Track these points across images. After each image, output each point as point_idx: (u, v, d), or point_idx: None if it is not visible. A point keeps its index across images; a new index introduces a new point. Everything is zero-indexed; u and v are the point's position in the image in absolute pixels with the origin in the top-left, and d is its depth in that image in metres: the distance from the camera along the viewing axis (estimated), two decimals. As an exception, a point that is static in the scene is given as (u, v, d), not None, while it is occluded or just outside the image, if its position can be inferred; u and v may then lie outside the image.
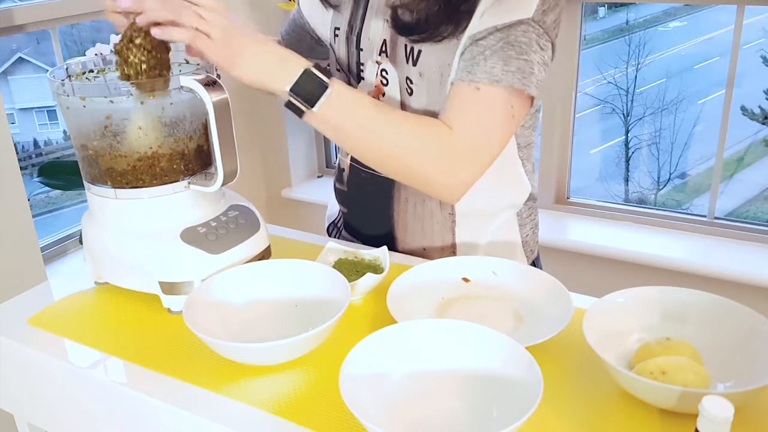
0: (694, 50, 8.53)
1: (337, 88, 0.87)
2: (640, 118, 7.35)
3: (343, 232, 1.20)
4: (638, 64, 7.60)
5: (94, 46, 1.04)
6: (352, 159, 1.10)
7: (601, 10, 8.95)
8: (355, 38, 1.03)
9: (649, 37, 8.27)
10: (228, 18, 0.84)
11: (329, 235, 1.23)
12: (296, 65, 0.86)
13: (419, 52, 0.95)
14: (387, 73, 1.00)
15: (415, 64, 0.96)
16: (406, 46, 0.96)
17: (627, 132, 7.37)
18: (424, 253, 1.09)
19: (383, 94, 1.01)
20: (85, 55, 1.02)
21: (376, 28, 1.00)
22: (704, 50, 8.38)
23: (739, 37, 2.09)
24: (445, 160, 0.90)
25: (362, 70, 1.03)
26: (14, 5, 2.06)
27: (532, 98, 0.94)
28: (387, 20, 0.98)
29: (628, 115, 7.42)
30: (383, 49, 0.99)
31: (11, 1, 2.27)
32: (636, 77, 7.53)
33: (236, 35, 0.85)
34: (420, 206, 1.06)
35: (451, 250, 1.08)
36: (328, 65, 1.09)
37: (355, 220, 1.16)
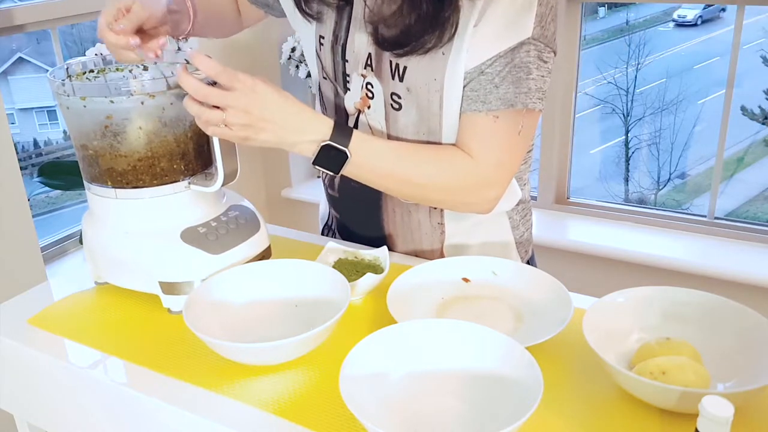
0: (694, 50, 8.54)
1: (357, 149, 0.91)
2: (640, 118, 7.36)
3: (337, 235, 1.20)
4: (638, 64, 7.60)
5: (94, 46, 1.04)
6: None
7: (601, 10, 8.96)
8: (340, 48, 1.01)
9: (649, 37, 8.28)
10: (249, 106, 0.85)
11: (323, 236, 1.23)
12: (312, 141, 0.90)
13: (404, 68, 0.95)
14: (372, 87, 0.99)
15: (401, 79, 0.96)
16: (391, 62, 0.96)
17: (627, 132, 7.38)
18: (415, 252, 1.09)
19: (369, 107, 1.01)
20: (85, 55, 1.02)
21: (361, 42, 0.98)
22: (704, 50, 8.39)
23: (739, 37, 2.09)
24: (474, 187, 0.96)
25: (348, 81, 1.02)
26: (14, 5, 2.06)
27: (539, 112, 0.96)
28: (371, 34, 0.97)
29: (628, 115, 7.42)
30: (368, 62, 0.98)
31: (11, 1, 2.27)
32: (636, 77, 7.53)
33: (255, 131, 0.87)
34: (407, 216, 1.07)
35: (440, 253, 1.08)
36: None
37: (348, 225, 1.16)
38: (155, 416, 0.80)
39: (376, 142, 0.94)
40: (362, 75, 1.00)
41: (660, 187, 6.92)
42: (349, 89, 1.02)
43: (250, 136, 0.87)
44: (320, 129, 0.90)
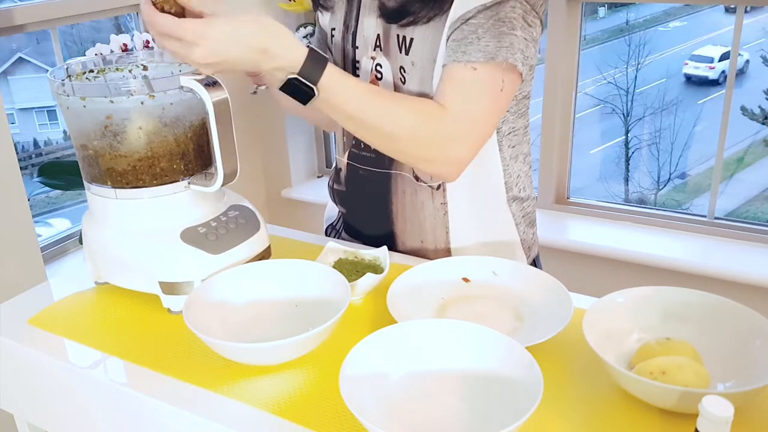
0: (694, 50, 8.53)
1: (327, 86, 0.86)
2: (640, 118, 7.35)
3: (343, 234, 1.20)
4: (638, 64, 7.59)
5: (94, 46, 1.04)
6: (349, 158, 1.11)
7: (601, 10, 8.95)
8: (350, 37, 1.05)
9: (649, 37, 8.27)
10: (193, 40, 0.81)
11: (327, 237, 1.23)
12: (280, 69, 0.85)
13: (411, 40, 0.96)
14: (381, 67, 1.01)
15: (407, 53, 0.97)
16: (398, 36, 0.98)
17: (627, 132, 7.37)
18: (421, 247, 1.09)
19: None
20: (85, 55, 1.02)
21: (370, 25, 1.02)
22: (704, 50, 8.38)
23: (739, 37, 2.09)
24: (442, 138, 0.92)
25: (358, 68, 1.05)
26: (14, 5, 2.06)
27: (520, 74, 0.94)
28: (380, 16, 1.00)
29: (628, 115, 7.42)
30: (377, 43, 1.01)
31: (11, 1, 2.27)
32: (636, 77, 7.52)
33: (219, 59, 0.83)
34: (414, 196, 1.07)
35: (445, 248, 1.08)
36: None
37: (355, 220, 1.16)
38: (155, 416, 0.80)
39: (349, 81, 0.90)
40: (372, 57, 1.02)
41: (660, 187, 6.91)
42: (358, 75, 1.04)
43: (222, 68, 0.84)
44: (291, 58, 0.85)
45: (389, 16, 0.98)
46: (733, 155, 6.60)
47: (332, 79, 0.87)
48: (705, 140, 6.93)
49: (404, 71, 0.99)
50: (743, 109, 6.44)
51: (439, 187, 1.05)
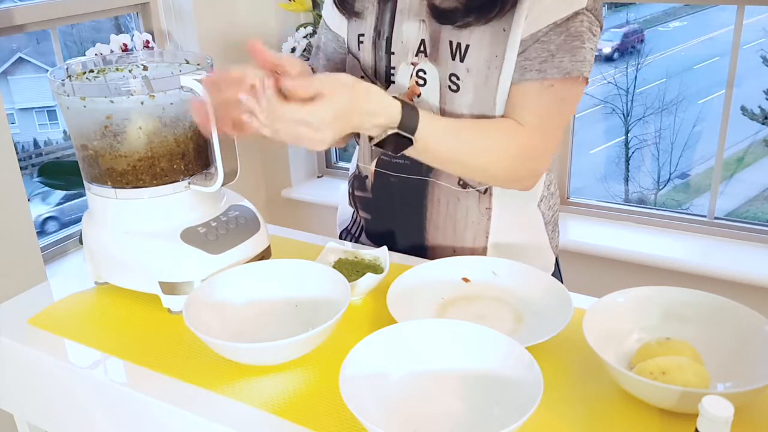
0: (694, 50, 8.53)
1: (422, 134, 0.90)
2: (640, 118, 7.35)
3: (363, 239, 1.18)
4: (638, 64, 7.59)
5: (94, 46, 1.03)
6: (378, 165, 1.09)
7: (601, 10, 8.93)
8: (384, 43, 1.02)
9: (649, 37, 8.27)
10: (320, 123, 0.83)
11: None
12: (378, 126, 0.88)
13: (467, 47, 0.95)
14: (425, 73, 0.99)
15: (462, 59, 0.96)
16: (451, 42, 0.96)
17: (627, 132, 7.37)
18: (453, 255, 1.08)
19: (419, 95, 1.00)
20: (85, 55, 1.02)
21: (411, 30, 0.99)
22: (704, 50, 8.38)
23: (739, 37, 2.09)
24: (527, 157, 0.96)
25: (393, 74, 1.03)
26: (14, 5, 2.06)
27: (587, 81, 0.97)
28: (423, 20, 0.98)
29: (628, 115, 7.42)
30: (421, 49, 0.99)
31: (11, 1, 2.27)
32: (636, 77, 7.52)
33: (329, 137, 0.85)
34: (453, 205, 1.06)
35: (482, 249, 1.07)
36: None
37: (381, 226, 1.14)
38: (155, 416, 0.80)
39: (440, 125, 0.93)
40: (413, 63, 1.00)
41: (660, 187, 6.91)
42: (393, 82, 1.03)
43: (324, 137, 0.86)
44: (390, 113, 0.88)
45: (444, 17, 0.96)
46: (733, 155, 6.59)
47: (427, 124, 0.91)
48: (705, 140, 6.93)
49: (457, 78, 0.97)
50: (743, 109, 6.44)
51: (485, 191, 1.05)
